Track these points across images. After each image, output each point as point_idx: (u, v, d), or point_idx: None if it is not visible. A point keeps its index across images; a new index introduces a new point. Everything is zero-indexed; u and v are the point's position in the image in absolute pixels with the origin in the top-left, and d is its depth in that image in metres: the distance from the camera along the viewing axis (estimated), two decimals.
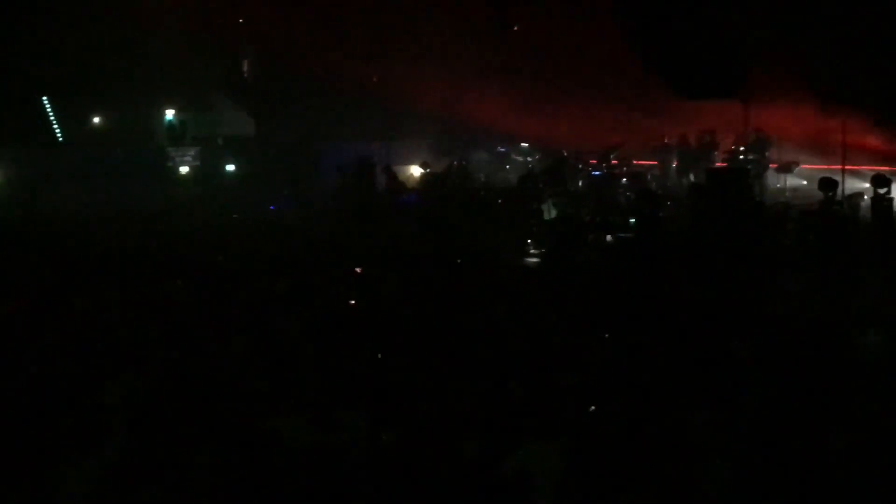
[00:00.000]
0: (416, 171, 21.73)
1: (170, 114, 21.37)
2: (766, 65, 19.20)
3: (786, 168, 19.66)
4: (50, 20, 19.71)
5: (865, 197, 16.13)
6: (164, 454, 5.67)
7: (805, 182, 19.36)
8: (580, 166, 19.70)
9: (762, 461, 5.64)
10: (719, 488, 5.48)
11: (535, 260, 14.38)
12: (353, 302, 10.01)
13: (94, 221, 16.54)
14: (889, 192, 15.41)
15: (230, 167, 20.90)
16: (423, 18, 22.00)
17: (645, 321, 8.94)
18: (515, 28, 23.16)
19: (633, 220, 15.75)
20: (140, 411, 6.18)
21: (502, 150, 23.15)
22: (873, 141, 18.97)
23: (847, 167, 18.08)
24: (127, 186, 18.61)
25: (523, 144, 22.76)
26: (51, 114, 21.46)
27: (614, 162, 20.01)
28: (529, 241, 15.22)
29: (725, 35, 19.79)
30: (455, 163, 21.32)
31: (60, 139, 21.59)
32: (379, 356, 7.79)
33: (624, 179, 18.95)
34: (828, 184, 15.41)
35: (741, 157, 19.89)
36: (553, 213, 16.41)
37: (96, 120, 21.89)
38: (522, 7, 22.68)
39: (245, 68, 22.97)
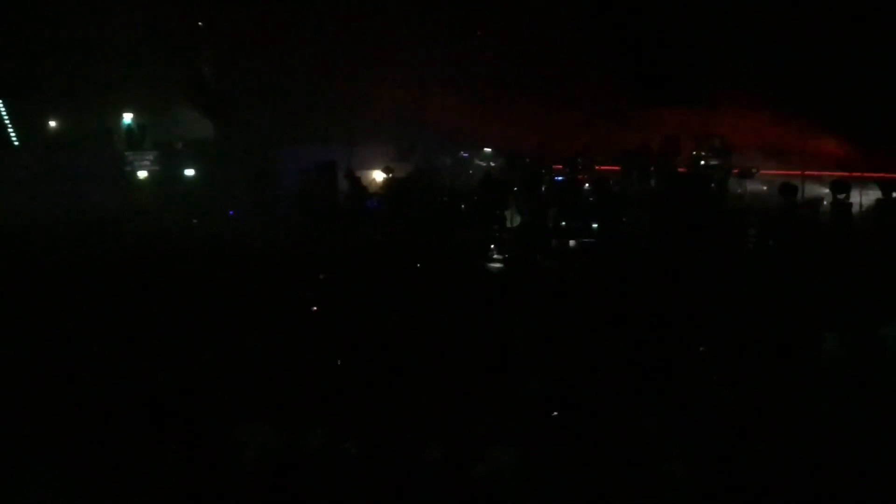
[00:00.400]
0: (378, 175, 21.64)
1: (128, 117, 21.16)
2: (727, 72, 19.40)
3: (746, 174, 19.84)
4: (4, 22, 19.42)
5: (824, 202, 16.34)
6: (129, 462, 5.65)
7: (765, 188, 19.55)
8: (543, 171, 19.72)
9: (725, 464, 5.70)
10: (682, 491, 5.52)
11: (498, 265, 14.35)
12: (315, 308, 9.95)
13: (50, 226, 16.31)
14: (847, 196, 15.66)
15: (189, 172, 20.73)
16: (386, 21, 21.94)
17: (608, 326, 8.95)
18: (479, 32, 23.18)
19: (595, 226, 15.85)
20: (100, 420, 6.16)
21: (465, 155, 23.16)
22: (832, 147, 19.23)
23: (806, 173, 18.34)
24: (84, 191, 18.42)
25: (486, 149, 22.78)
26: (6, 117, 21.14)
27: (578, 167, 20.07)
28: (493, 246, 15.19)
29: (687, 42, 19.96)
30: (418, 167, 21.29)
31: (16, 143, 21.28)
32: (339, 362, 7.75)
33: (587, 185, 19.00)
34: (788, 189, 15.65)
35: (703, 162, 20.08)
36: (516, 219, 16.45)
37: (53, 123, 21.62)
38: (486, 12, 22.70)
39: (204, 71, 22.79)
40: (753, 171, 19.85)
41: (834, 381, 7.19)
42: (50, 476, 5.46)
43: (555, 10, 20.90)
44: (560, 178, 19.69)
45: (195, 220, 17.86)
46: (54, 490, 5.40)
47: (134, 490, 5.46)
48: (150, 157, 20.86)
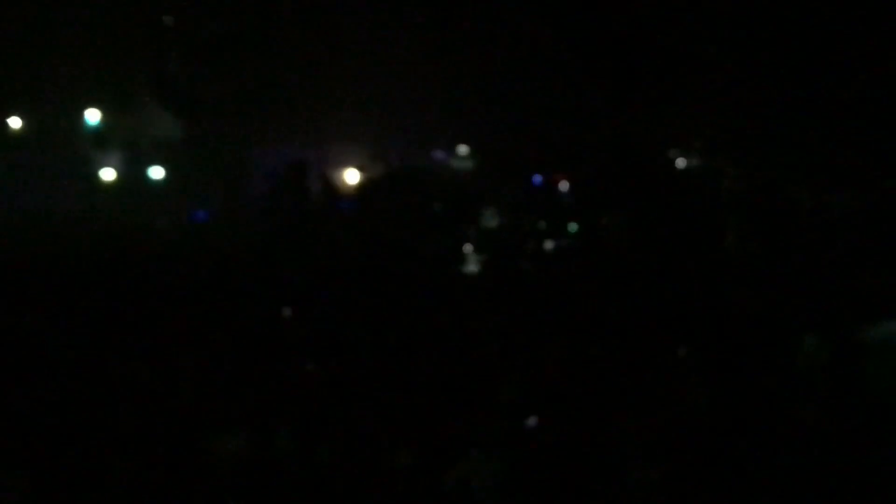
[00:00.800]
0: (350, 175, 21.60)
1: (92, 116, 20.98)
2: (709, 72, 19.53)
3: (726, 174, 19.93)
4: None
5: (805, 203, 16.35)
6: (97, 472, 5.65)
7: (746, 188, 19.63)
8: (520, 172, 19.74)
9: (703, 468, 5.79)
10: (660, 496, 5.60)
11: (474, 268, 14.25)
12: (286, 313, 9.82)
13: (10, 228, 16.12)
14: (829, 197, 15.67)
15: (156, 172, 20.60)
16: (361, 18, 21.93)
17: (586, 328, 8.85)
18: (455, 30, 23.21)
19: (574, 227, 15.87)
20: (65, 429, 6.12)
21: (440, 154, 23.15)
22: (811, 148, 19.34)
23: (787, 174, 18.39)
24: (47, 192, 18.32)
25: (462, 149, 22.80)
26: None
27: (556, 168, 20.11)
28: (470, 248, 15.11)
29: (670, 42, 20.09)
30: (392, 167, 21.24)
31: None
32: (310, 369, 7.68)
33: (565, 185, 19.04)
34: (768, 190, 15.68)
35: (683, 162, 20.17)
36: (493, 221, 16.41)
37: (14, 122, 21.43)
38: (462, 9, 22.74)
39: (173, 69, 22.67)
40: (733, 171, 19.96)
41: (815, 384, 7.16)
42: (15, 485, 5.38)
43: (533, 8, 20.97)
44: (538, 178, 19.71)
45: (161, 222, 17.75)
46: (21, 498, 5.33)
47: (100, 498, 5.43)
48: (116, 157, 20.66)
